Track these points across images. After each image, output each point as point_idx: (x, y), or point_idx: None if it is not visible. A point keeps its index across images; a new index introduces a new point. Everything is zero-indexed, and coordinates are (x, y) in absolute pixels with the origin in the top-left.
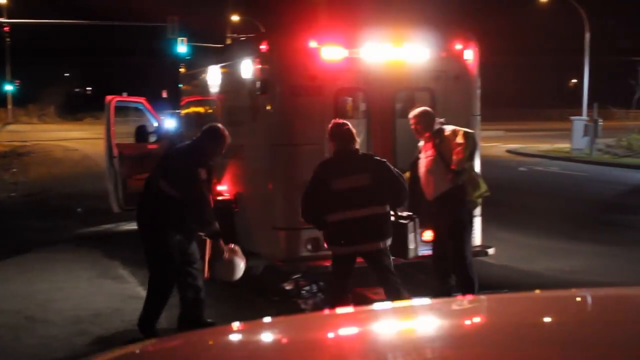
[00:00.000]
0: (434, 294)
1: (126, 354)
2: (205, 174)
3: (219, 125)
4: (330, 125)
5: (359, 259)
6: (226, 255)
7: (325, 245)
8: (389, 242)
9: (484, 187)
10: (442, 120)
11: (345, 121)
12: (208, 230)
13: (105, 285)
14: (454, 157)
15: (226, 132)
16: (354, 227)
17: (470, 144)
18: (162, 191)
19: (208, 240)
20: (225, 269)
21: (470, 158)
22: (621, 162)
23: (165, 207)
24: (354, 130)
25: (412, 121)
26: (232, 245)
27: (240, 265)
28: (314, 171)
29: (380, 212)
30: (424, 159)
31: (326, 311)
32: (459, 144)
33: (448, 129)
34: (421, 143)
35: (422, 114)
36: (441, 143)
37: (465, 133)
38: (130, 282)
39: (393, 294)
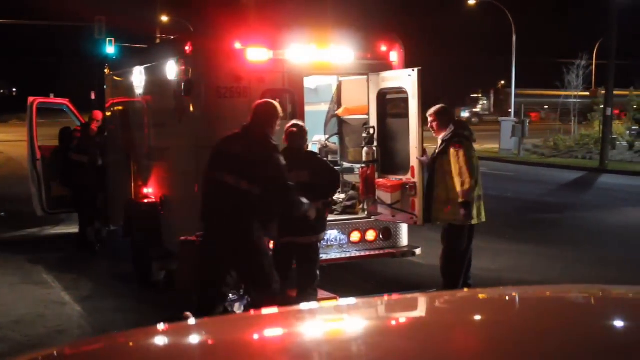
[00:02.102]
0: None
1: (43, 355)
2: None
3: (269, 101)
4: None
5: None
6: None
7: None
8: (321, 237)
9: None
10: (452, 129)
11: (297, 122)
12: (305, 209)
13: (28, 291)
14: (459, 188)
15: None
16: (292, 219)
17: (472, 172)
18: (239, 188)
19: None
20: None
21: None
22: (548, 162)
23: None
24: (306, 130)
25: (429, 119)
26: None
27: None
28: None
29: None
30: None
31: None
32: (461, 175)
33: (452, 150)
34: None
35: (437, 112)
36: (443, 156)
37: (462, 168)
38: (54, 287)
39: (305, 295)
